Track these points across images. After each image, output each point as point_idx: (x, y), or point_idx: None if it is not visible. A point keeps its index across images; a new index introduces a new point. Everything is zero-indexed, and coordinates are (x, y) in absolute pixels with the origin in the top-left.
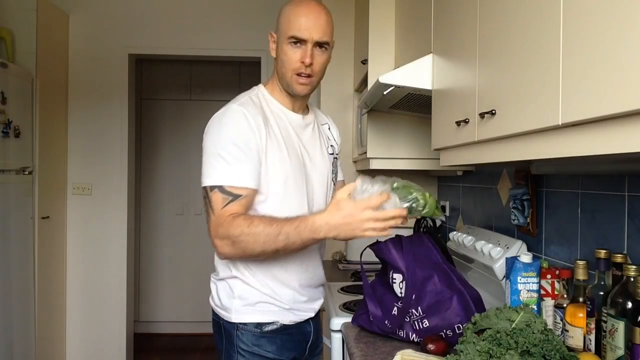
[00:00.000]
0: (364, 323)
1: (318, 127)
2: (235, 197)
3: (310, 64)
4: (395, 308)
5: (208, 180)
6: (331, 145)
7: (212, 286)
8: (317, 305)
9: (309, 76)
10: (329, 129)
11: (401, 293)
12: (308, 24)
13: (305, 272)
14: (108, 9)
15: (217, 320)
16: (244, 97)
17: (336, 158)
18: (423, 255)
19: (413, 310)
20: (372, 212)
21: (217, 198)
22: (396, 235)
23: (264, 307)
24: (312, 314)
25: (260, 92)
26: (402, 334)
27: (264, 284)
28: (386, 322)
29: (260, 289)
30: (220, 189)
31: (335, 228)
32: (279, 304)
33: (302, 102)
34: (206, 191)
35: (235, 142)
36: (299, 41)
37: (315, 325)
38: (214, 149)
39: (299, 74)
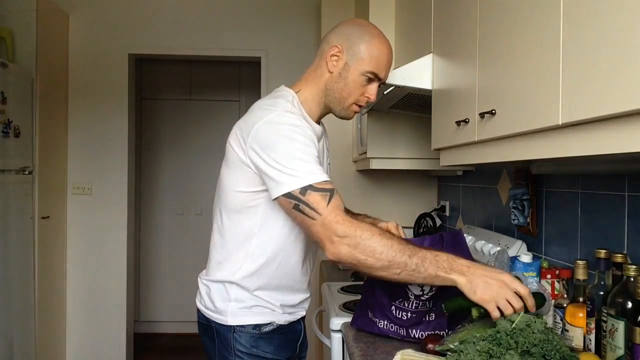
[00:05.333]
0: (363, 325)
1: (324, 139)
2: (331, 191)
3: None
4: (406, 310)
5: (293, 184)
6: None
7: (203, 288)
8: (307, 303)
9: (361, 107)
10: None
11: (422, 290)
12: (388, 65)
13: (307, 275)
14: (108, 9)
15: (206, 323)
16: (287, 105)
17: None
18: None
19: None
20: (522, 287)
21: (315, 198)
22: (438, 234)
23: (260, 310)
24: (304, 313)
25: (295, 100)
26: (407, 332)
27: (264, 293)
28: (392, 326)
29: (259, 295)
30: (312, 188)
31: (475, 276)
32: (274, 308)
33: (324, 116)
34: (295, 197)
35: (305, 142)
36: (374, 78)
37: (303, 324)
38: (285, 152)
39: (358, 105)
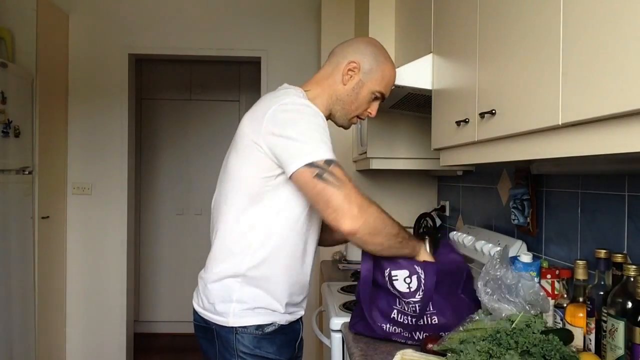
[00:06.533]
0: (362, 329)
1: None
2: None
3: None
4: (396, 310)
5: (317, 155)
6: None
7: (202, 288)
8: (305, 302)
9: (361, 119)
10: None
11: (409, 288)
12: (391, 88)
13: (310, 270)
14: (108, 9)
15: (204, 325)
16: (300, 95)
17: None
18: (445, 255)
19: (430, 306)
20: None
21: (339, 171)
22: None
23: (262, 311)
24: (303, 312)
25: (305, 97)
26: (411, 335)
27: (271, 287)
28: (395, 328)
29: (263, 288)
30: (334, 162)
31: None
32: (275, 308)
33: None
34: (319, 166)
35: (323, 125)
36: (380, 97)
37: (302, 323)
38: (307, 128)
39: (359, 117)
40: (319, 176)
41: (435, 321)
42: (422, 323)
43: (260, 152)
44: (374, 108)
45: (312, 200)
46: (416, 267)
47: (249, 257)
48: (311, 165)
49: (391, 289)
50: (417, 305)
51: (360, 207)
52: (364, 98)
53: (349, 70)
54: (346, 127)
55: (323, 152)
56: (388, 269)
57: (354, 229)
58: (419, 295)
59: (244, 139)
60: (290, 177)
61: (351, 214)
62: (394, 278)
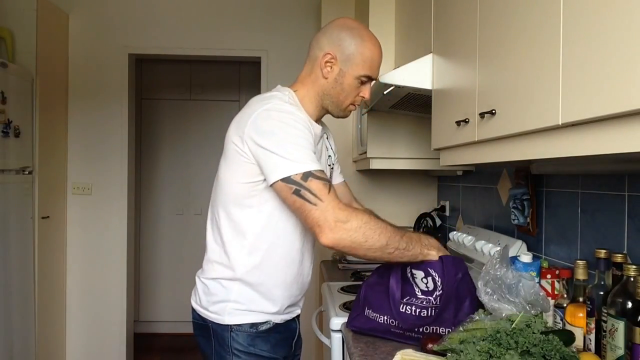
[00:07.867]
0: (361, 324)
1: (324, 138)
2: (329, 181)
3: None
4: (411, 305)
5: (293, 169)
6: (329, 156)
7: (200, 286)
8: (302, 302)
9: (356, 105)
10: (327, 138)
11: (427, 287)
12: (379, 64)
13: (307, 269)
14: (108, 9)
15: (202, 323)
16: (285, 97)
17: (332, 168)
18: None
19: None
20: None
21: (317, 185)
22: None
23: (257, 309)
24: (299, 311)
25: (293, 98)
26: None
27: (268, 290)
28: (392, 321)
29: (262, 290)
30: (312, 175)
31: (440, 249)
32: (271, 308)
33: (322, 117)
34: (296, 182)
35: (302, 129)
36: (368, 80)
37: (298, 322)
38: (284, 138)
39: (353, 104)
40: (296, 193)
41: (438, 312)
42: (427, 316)
43: (244, 157)
44: (365, 91)
45: (294, 213)
46: (430, 270)
47: (242, 260)
48: (287, 180)
49: (414, 285)
50: (437, 299)
51: (337, 221)
52: (350, 86)
53: (326, 62)
54: (344, 117)
55: (299, 165)
56: (409, 267)
57: (331, 243)
58: (436, 293)
59: (229, 144)
60: (272, 187)
61: (329, 228)
62: (415, 275)
